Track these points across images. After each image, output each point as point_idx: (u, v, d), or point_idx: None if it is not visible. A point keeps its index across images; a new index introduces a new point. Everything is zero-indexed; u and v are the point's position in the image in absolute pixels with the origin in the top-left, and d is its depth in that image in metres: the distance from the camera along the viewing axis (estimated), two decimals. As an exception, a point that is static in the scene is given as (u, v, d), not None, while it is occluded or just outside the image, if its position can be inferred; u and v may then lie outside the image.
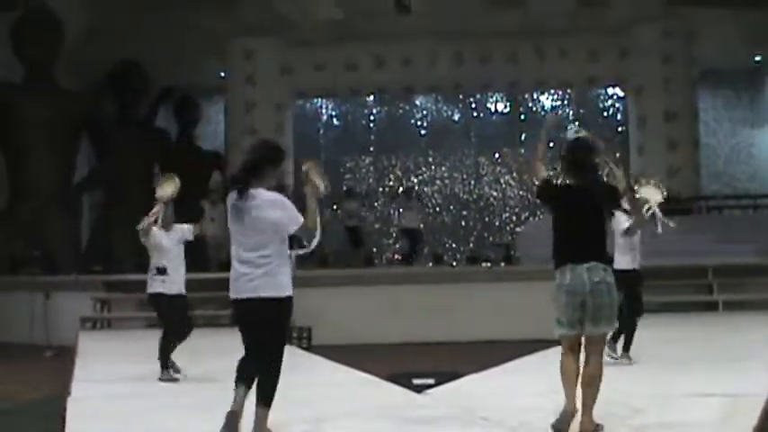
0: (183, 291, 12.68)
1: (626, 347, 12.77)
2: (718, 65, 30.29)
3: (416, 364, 14.63)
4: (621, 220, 12.34)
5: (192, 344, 12.90)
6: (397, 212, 28.61)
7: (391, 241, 30.59)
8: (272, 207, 7.82)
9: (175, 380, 12.33)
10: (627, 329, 12.54)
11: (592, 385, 7.82)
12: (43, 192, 25.99)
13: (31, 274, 23.96)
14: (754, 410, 8.34)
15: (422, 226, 27.52)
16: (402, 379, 11.54)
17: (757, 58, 31.55)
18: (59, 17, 26.51)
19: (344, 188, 30.07)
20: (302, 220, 7.81)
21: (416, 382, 11.26)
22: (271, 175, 8.04)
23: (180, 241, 12.68)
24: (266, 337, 7.82)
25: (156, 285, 12.59)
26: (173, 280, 12.53)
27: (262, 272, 7.77)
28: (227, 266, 8.26)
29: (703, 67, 28.53)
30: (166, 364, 12.47)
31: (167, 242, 12.59)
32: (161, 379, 12.31)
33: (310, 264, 23.71)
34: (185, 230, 12.77)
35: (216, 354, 13.40)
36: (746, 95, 33.34)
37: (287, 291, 7.80)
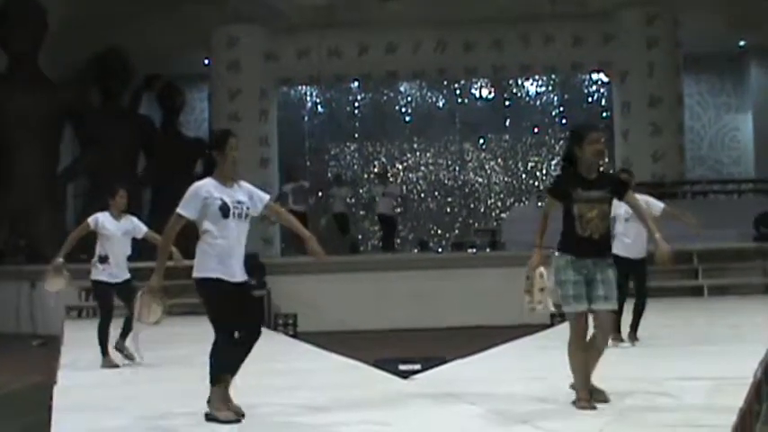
0: (128, 277, 12.67)
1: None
2: (702, 50, 30.31)
3: (402, 350, 14.65)
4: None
5: (178, 330, 12.90)
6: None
7: (376, 228, 30.63)
8: None
9: (117, 366, 12.32)
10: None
11: None
12: (27, 181, 25.90)
13: (15, 263, 23.93)
14: (740, 393, 8.38)
15: (398, 210, 27.53)
16: (388, 365, 11.54)
17: (741, 44, 31.62)
18: (43, 6, 26.41)
19: (329, 175, 30.05)
20: (176, 211, 8.24)
21: (402, 367, 11.26)
22: (222, 160, 8.33)
23: (127, 232, 12.60)
24: None
25: (97, 273, 12.55)
26: (113, 269, 12.51)
27: None
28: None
29: (687, 52, 28.53)
30: (106, 350, 12.46)
31: (113, 230, 12.50)
32: (102, 366, 12.33)
33: (295, 251, 23.73)
34: (137, 225, 12.72)
35: (199, 340, 13.41)
36: (730, 80, 33.45)
37: (196, 272, 8.15)
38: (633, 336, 12.89)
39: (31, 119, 25.96)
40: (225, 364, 8.05)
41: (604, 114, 30.80)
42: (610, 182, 8.34)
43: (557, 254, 8.24)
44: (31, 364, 16.36)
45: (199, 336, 13.82)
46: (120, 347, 12.56)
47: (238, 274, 8.16)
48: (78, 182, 29.56)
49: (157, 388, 10.61)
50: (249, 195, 8.40)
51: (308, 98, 32.24)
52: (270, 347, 13.28)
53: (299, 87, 31.67)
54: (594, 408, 7.98)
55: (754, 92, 32.82)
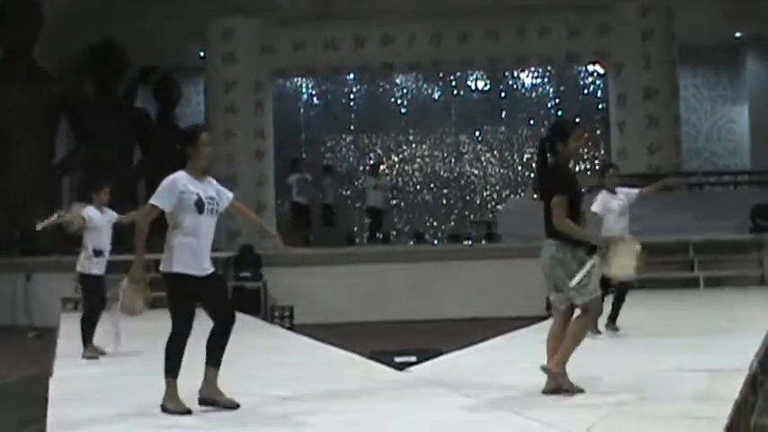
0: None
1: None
2: (698, 42, 30.29)
3: (398, 342, 14.66)
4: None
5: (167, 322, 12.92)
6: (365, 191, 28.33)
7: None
8: None
9: (103, 353, 12.70)
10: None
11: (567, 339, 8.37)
12: (23, 174, 25.87)
13: (11, 255, 23.90)
14: (736, 385, 8.39)
15: (393, 203, 27.52)
16: (384, 357, 11.55)
17: (737, 35, 31.61)
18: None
19: (324, 164, 30.01)
20: (150, 202, 8.31)
21: (398, 359, 11.27)
22: (195, 155, 8.39)
23: (110, 222, 12.91)
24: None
25: (91, 266, 12.79)
26: (104, 262, 12.85)
27: None
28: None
29: (683, 43, 28.52)
30: (90, 341, 12.76)
31: (102, 222, 12.84)
32: (85, 356, 12.58)
33: (292, 243, 23.69)
34: (112, 213, 13.00)
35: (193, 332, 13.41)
36: (726, 72, 33.47)
37: (166, 267, 8.26)
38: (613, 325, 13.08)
39: (26, 112, 25.91)
40: (179, 356, 8.23)
41: (600, 106, 30.83)
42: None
43: (567, 247, 8.34)
44: (27, 356, 16.36)
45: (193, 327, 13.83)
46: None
47: (207, 267, 8.31)
48: (74, 175, 29.50)
49: (153, 379, 10.58)
50: (217, 191, 8.51)
51: (304, 90, 32.23)
52: (266, 340, 13.33)
53: (295, 79, 31.66)
54: (582, 390, 8.24)
55: (750, 84, 32.82)
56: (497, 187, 31.76)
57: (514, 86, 31.95)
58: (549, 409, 7.80)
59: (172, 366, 8.21)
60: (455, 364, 11.06)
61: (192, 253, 8.19)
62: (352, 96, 32.22)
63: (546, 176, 8.51)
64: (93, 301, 12.84)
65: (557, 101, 31.79)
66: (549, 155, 8.44)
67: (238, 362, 11.38)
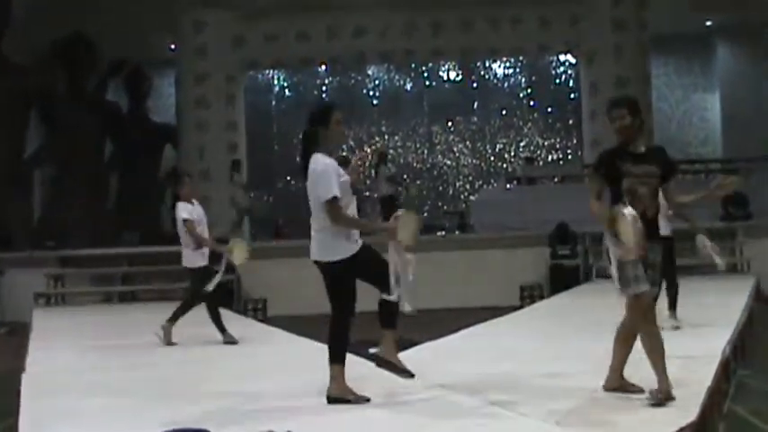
0: None
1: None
2: (669, 30, 30.36)
3: (372, 333, 14.64)
4: None
5: (155, 317, 12.92)
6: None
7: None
8: (309, 178, 8.11)
9: (235, 342, 12.69)
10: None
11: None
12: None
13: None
14: (709, 372, 8.42)
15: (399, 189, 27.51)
16: (358, 348, 11.52)
17: (707, 23, 31.70)
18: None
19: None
20: (324, 198, 7.96)
21: (372, 350, 11.25)
22: (327, 135, 8.19)
23: (201, 212, 13.25)
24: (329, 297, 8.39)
25: (197, 259, 13.07)
26: (207, 251, 13.18)
27: (313, 235, 8.25)
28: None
29: (654, 32, 28.57)
30: (223, 327, 12.89)
31: (196, 215, 13.10)
32: (227, 342, 12.64)
33: (264, 235, 23.66)
34: (198, 206, 13.29)
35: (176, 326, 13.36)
36: (698, 60, 33.60)
37: (333, 256, 8.15)
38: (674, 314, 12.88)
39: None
40: (347, 341, 8.44)
41: (572, 96, 30.89)
42: (658, 158, 8.35)
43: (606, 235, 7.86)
44: (-1, 351, 16.31)
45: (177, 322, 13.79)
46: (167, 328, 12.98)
47: (359, 241, 8.29)
48: (44, 168, 29.37)
49: (128, 375, 10.58)
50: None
51: (276, 82, 32.17)
52: (239, 332, 13.30)
53: (267, 72, 31.59)
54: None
55: (722, 71, 32.95)
56: (470, 178, 31.79)
57: (486, 77, 31.99)
58: (522, 399, 7.82)
59: (339, 353, 8.29)
60: (429, 354, 11.07)
61: (349, 235, 8.20)
62: (324, 88, 32.19)
63: None
64: (198, 290, 13.01)
65: (529, 91, 31.86)
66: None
67: (210, 354, 11.38)
